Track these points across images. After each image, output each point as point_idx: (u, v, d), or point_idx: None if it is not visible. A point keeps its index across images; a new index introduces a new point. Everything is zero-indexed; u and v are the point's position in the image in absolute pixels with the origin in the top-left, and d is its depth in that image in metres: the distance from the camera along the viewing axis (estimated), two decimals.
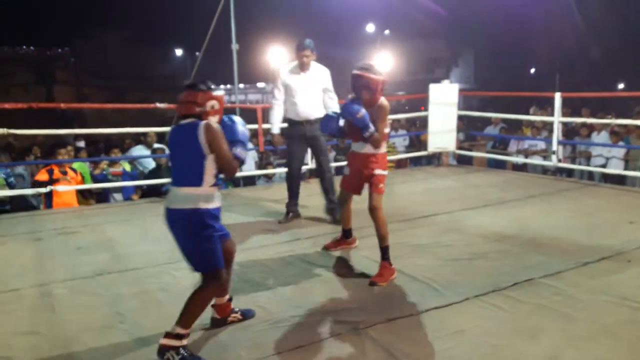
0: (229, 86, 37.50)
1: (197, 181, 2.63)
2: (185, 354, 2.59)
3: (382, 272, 3.64)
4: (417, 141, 10.46)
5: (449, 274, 3.68)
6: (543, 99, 10.48)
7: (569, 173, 8.59)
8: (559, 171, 8.00)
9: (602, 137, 8.69)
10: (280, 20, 24.90)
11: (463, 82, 28.37)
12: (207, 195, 2.66)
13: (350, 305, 3.22)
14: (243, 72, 10.00)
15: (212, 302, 2.93)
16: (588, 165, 8.61)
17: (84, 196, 6.64)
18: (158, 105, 6.68)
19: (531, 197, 6.04)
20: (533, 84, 26.46)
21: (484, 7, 21.76)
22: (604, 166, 8.37)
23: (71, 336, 2.94)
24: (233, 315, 3.03)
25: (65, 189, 6.14)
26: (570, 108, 9.71)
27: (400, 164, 9.87)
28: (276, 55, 14.33)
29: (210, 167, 2.64)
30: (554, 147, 7.21)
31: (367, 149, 3.83)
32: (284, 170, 8.78)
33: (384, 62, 21.14)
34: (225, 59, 9.07)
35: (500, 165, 8.95)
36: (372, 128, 3.66)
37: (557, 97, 7.03)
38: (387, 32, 31.11)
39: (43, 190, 6.04)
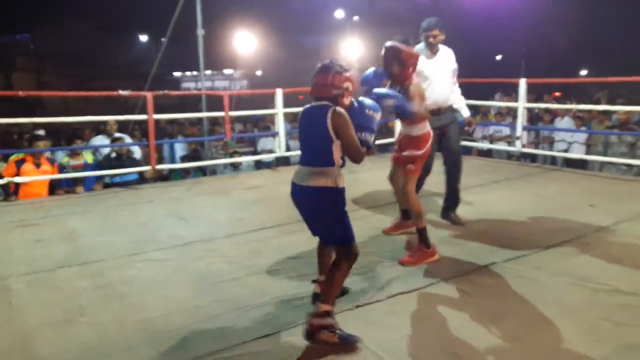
0: (195, 73, 37.00)
1: (329, 162, 2.70)
2: (340, 332, 2.61)
3: (414, 254, 3.65)
4: (385, 128, 10.48)
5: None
6: (508, 86, 10.62)
7: (533, 158, 8.75)
8: (523, 156, 8.13)
9: (565, 122, 8.86)
10: (248, 5, 24.53)
11: None
12: (337, 175, 2.72)
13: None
14: (210, 58, 9.83)
15: (315, 277, 3.06)
16: (551, 150, 8.78)
17: (52, 190, 6.41)
18: (121, 92, 6.52)
19: (496, 182, 6.13)
20: (499, 70, 26.81)
21: None
22: (566, 151, 8.56)
23: (30, 331, 2.86)
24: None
25: (23, 180, 5.94)
26: (534, 94, 9.86)
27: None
28: (243, 41, 14.12)
29: (337, 151, 2.71)
30: (518, 132, 7.32)
31: (404, 130, 3.85)
32: (250, 159, 8.76)
33: (353, 49, 21.09)
34: (191, 45, 8.86)
35: (466, 151, 9.03)
36: (412, 107, 3.51)
37: (522, 83, 7.13)
38: (356, 18, 31.02)
39: None
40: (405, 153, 3.78)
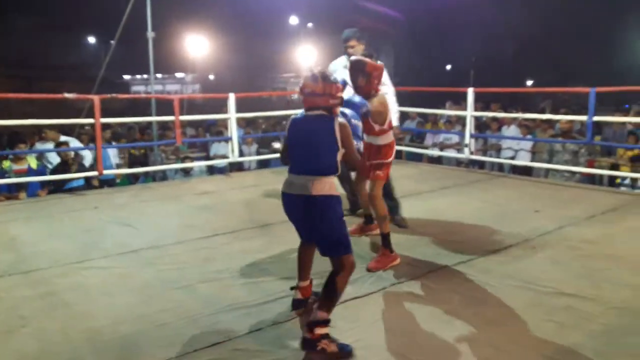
0: (145, 76, 36.29)
1: (333, 170, 2.72)
2: (337, 341, 2.59)
3: (379, 259, 3.72)
4: None
5: (366, 265, 3.73)
6: (458, 95, 10.89)
7: (481, 165, 8.99)
8: (471, 163, 8.35)
9: (512, 130, 9.16)
10: (200, 8, 24.24)
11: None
12: (335, 184, 2.76)
13: (270, 299, 3.19)
14: (160, 61, 9.65)
15: (295, 284, 3.05)
16: (498, 157, 9.05)
17: None
18: (67, 95, 6.30)
19: (445, 188, 6.27)
20: (449, 80, 27.49)
21: (404, 4, 22.33)
22: (513, 158, 8.84)
23: None
24: (312, 297, 3.06)
25: None
26: (482, 103, 10.13)
27: None
28: (195, 44, 13.95)
29: (339, 159, 2.74)
30: (467, 140, 7.51)
31: (370, 139, 3.94)
32: (203, 164, 8.65)
33: (307, 56, 21.21)
34: (140, 48, 8.68)
35: (417, 157, 9.22)
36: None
37: (470, 92, 7.32)
38: (310, 25, 31.17)
39: None
40: (374, 161, 3.94)
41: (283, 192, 2.79)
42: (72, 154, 6.77)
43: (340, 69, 4.71)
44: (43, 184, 6.44)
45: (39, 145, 7.38)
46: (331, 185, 2.70)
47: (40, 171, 6.65)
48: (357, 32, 4.62)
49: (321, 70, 2.78)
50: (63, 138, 7.22)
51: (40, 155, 7.13)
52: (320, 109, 2.73)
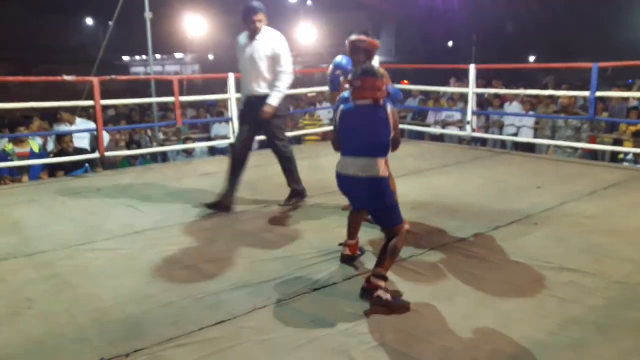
0: (144, 57, 35.99)
1: (384, 153, 3.05)
2: (392, 295, 2.86)
3: None
4: None
5: (369, 242, 3.75)
6: (461, 72, 10.81)
7: (483, 142, 8.96)
8: (473, 141, 8.32)
9: (514, 107, 9.11)
10: None
11: (384, 54, 28.68)
12: (386, 165, 3.03)
13: (273, 277, 3.21)
14: (159, 42, 9.55)
15: (344, 242, 3.45)
16: (501, 134, 9.01)
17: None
18: (66, 78, 6.27)
19: (447, 166, 6.26)
20: (451, 57, 27.25)
21: None
22: (515, 135, 8.80)
23: None
24: (357, 254, 3.47)
25: None
26: (484, 80, 10.07)
27: (325, 136, 9.89)
28: (194, 24, 13.80)
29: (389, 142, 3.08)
30: (469, 117, 7.48)
31: None
32: (204, 145, 8.63)
33: (307, 34, 21.02)
34: (139, 29, 8.57)
35: (419, 136, 9.19)
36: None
37: (472, 69, 7.26)
38: (309, 2, 30.80)
39: None
40: None
41: (338, 172, 3.11)
42: (72, 143, 6.68)
43: (241, 48, 4.54)
44: (45, 167, 6.42)
45: (56, 127, 7.35)
46: (383, 167, 2.98)
47: (42, 154, 6.63)
48: (262, 6, 4.40)
49: (370, 67, 3.12)
50: (79, 120, 7.18)
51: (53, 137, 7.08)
52: (368, 100, 3.02)
